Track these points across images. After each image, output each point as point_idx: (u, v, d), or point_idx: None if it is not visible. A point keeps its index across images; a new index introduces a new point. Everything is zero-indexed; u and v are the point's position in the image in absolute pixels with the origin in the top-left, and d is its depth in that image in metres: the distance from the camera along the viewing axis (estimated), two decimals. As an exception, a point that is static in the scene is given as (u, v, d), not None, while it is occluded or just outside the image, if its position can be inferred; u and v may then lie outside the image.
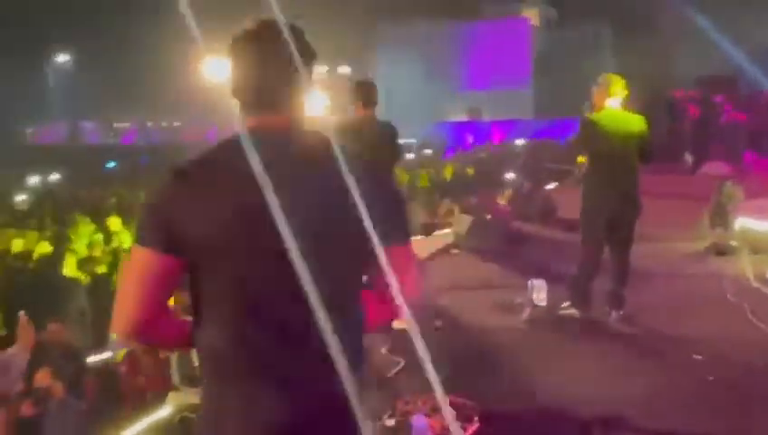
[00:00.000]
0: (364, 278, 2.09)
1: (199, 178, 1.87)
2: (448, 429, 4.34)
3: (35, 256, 9.61)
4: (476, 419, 4.44)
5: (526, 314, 6.58)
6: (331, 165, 1.90)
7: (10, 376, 5.30)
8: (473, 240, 9.49)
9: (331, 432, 1.95)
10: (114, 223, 12.65)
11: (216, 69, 13.67)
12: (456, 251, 9.66)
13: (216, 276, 1.87)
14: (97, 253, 10.47)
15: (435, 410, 4.60)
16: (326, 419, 1.94)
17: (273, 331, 1.90)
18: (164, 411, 4.64)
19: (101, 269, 9.86)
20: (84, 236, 12.24)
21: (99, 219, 12.84)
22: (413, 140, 32.42)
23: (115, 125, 43.59)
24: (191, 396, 4.57)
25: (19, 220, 13.14)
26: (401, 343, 5.68)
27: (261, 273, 1.87)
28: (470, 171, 17.98)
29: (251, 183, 1.77)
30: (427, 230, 10.93)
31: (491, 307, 6.99)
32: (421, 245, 9.32)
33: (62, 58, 41.92)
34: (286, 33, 1.92)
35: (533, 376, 5.35)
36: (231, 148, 1.88)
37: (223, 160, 1.91)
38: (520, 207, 11.71)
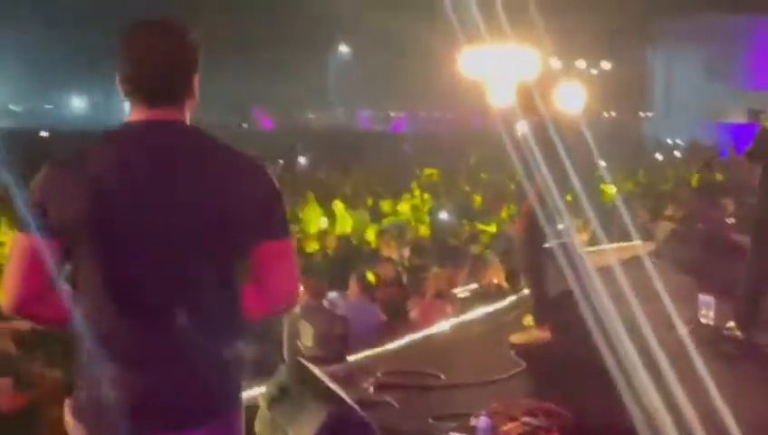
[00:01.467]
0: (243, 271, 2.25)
1: (72, 167, 2.11)
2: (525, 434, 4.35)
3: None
4: (555, 431, 4.39)
5: (686, 330, 6.26)
6: (210, 164, 2.10)
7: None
8: (671, 250, 9.04)
9: (190, 411, 2.14)
10: (339, 207, 13.43)
11: (474, 60, 13.99)
12: (653, 260, 9.24)
13: (82, 259, 2.11)
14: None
15: (527, 414, 4.61)
16: (183, 397, 2.13)
17: (133, 313, 2.10)
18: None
19: (313, 247, 10.58)
20: (312, 218, 13.14)
21: (327, 203, 13.65)
22: (679, 141, 30.79)
23: (392, 114, 45.63)
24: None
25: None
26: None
27: (122, 259, 2.09)
28: (719, 177, 16.87)
29: (117, 175, 2.02)
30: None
31: (652, 320, 6.70)
32: (620, 250, 9.06)
33: (344, 50, 44.63)
34: (181, 35, 2.14)
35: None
36: (110, 140, 2.14)
37: (98, 152, 2.14)
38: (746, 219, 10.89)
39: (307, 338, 5.04)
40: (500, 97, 15.70)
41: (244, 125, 39.10)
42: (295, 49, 37.95)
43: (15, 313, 2.19)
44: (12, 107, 46.30)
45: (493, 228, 11.87)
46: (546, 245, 7.80)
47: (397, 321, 7.21)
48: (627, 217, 10.92)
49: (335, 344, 5.11)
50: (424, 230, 11.94)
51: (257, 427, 3.84)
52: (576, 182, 12.78)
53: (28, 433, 4.64)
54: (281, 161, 22.41)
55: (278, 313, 2.48)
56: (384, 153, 25.48)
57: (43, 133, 30.37)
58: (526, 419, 4.49)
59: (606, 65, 34.28)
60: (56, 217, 2.09)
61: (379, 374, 5.26)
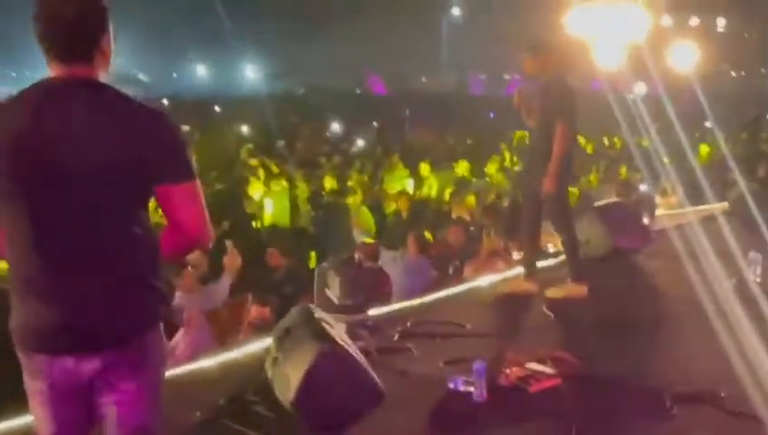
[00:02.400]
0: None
1: None
2: (524, 378, 4.60)
3: (325, 192, 10.95)
4: (558, 377, 4.60)
5: (730, 285, 6.29)
6: (117, 116, 2.40)
7: (214, 302, 6.42)
8: (744, 209, 8.92)
9: (104, 335, 2.46)
10: (425, 169, 13.68)
11: (581, 19, 13.96)
12: (726, 219, 9.14)
13: (3, 205, 2.44)
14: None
15: (538, 361, 4.84)
16: (99, 324, 2.45)
17: (49, 252, 2.41)
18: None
19: (390, 208, 10.93)
20: (398, 179, 13.47)
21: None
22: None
23: (506, 76, 45.08)
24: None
25: (348, 163, 14.77)
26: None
27: (38, 205, 2.39)
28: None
29: (32, 129, 2.35)
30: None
31: (703, 277, 6.73)
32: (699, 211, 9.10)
33: (456, 12, 44.36)
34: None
35: (673, 349, 5.27)
36: (26, 96, 2.44)
37: (14, 107, 2.43)
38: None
39: (335, 288, 5.42)
40: (607, 58, 15.47)
41: (358, 90, 39.61)
42: (408, 12, 38.05)
43: None
44: (140, 76, 48.43)
45: (575, 191, 11.89)
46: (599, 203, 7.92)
47: (450, 278, 7.50)
48: (707, 179, 10.79)
49: (362, 295, 5.46)
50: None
51: (266, 364, 4.25)
52: (674, 144, 12.65)
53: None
54: (375, 124, 22.74)
55: (188, 250, 2.69)
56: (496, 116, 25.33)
57: (165, 101, 31.81)
58: (531, 364, 4.73)
59: (722, 21, 32.83)
60: None
61: (408, 324, 5.59)
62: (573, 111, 6.01)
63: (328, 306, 5.43)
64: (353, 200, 10.43)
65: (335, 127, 23.39)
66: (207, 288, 6.64)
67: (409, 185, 13.21)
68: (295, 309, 4.36)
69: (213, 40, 44.30)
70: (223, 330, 6.14)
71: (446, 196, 11.62)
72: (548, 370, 4.69)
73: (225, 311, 6.34)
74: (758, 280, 6.42)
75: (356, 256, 6.06)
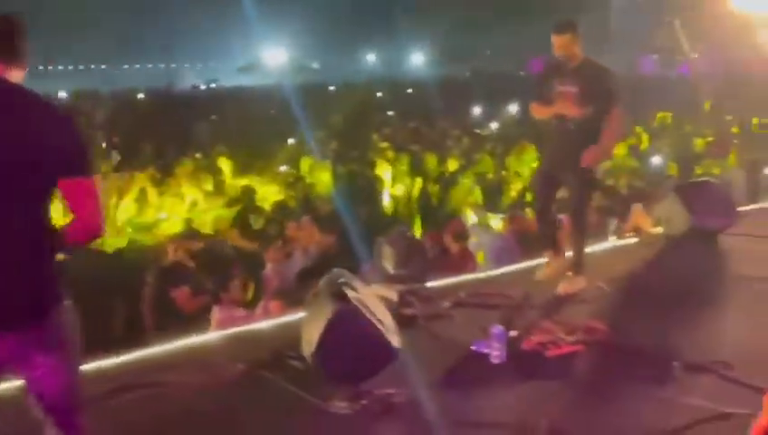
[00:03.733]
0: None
1: None
2: (544, 343, 4.91)
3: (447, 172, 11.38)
4: (581, 345, 4.86)
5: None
6: (24, 115, 2.65)
7: (288, 276, 7.02)
8: None
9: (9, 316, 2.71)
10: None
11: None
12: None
13: None
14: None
15: (569, 331, 5.12)
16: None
17: None
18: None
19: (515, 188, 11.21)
20: (526, 162, 13.71)
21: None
22: None
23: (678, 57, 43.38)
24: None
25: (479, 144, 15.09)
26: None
27: None
28: None
29: None
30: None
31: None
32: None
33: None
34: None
35: (716, 324, 5.37)
36: None
37: None
38: None
39: (388, 259, 5.89)
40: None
41: (522, 73, 39.51)
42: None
43: None
44: (313, 65, 50.54)
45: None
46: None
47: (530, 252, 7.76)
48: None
49: (414, 266, 5.91)
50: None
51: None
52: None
53: (201, 327, 5.88)
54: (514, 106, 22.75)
55: (87, 239, 2.87)
56: (669, 96, 24.50)
57: (331, 88, 33.20)
58: (560, 333, 5.01)
59: None
60: None
61: (461, 294, 5.98)
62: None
63: (384, 275, 5.93)
64: (467, 180, 10.77)
65: (483, 109, 23.67)
66: (290, 261, 7.25)
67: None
68: (327, 275, 4.83)
69: (382, 28, 45.46)
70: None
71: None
72: (572, 338, 4.97)
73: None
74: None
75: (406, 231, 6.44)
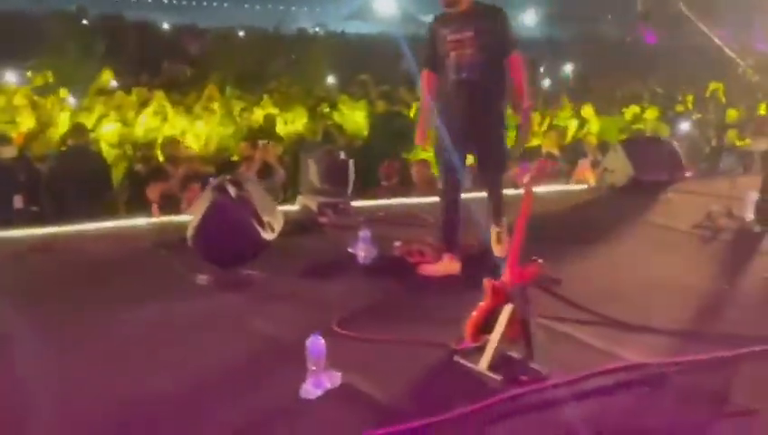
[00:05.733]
0: None
1: None
2: (411, 253, 5.52)
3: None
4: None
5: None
6: None
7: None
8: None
9: None
10: (587, 111, 14.11)
11: None
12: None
13: None
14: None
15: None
16: None
17: None
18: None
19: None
20: (562, 119, 14.07)
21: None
22: None
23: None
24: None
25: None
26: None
27: None
28: None
29: None
30: None
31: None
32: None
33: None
34: None
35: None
36: None
37: None
38: None
39: (314, 175, 6.63)
40: None
41: (628, 39, 38.88)
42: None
43: None
44: (422, 17, 50.67)
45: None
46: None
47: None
48: None
49: (335, 182, 6.62)
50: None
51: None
52: None
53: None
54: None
55: None
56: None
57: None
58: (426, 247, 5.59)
59: None
60: None
61: (381, 213, 6.69)
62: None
63: (311, 188, 6.68)
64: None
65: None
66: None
67: (573, 125, 13.73)
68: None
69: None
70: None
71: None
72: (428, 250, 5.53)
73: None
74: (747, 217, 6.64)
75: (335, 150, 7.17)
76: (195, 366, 3.74)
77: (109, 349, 3.94)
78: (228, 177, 5.38)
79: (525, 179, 3.94)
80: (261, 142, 8.37)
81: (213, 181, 5.41)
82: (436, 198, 5.49)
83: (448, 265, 5.26)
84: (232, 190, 5.19)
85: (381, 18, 42.21)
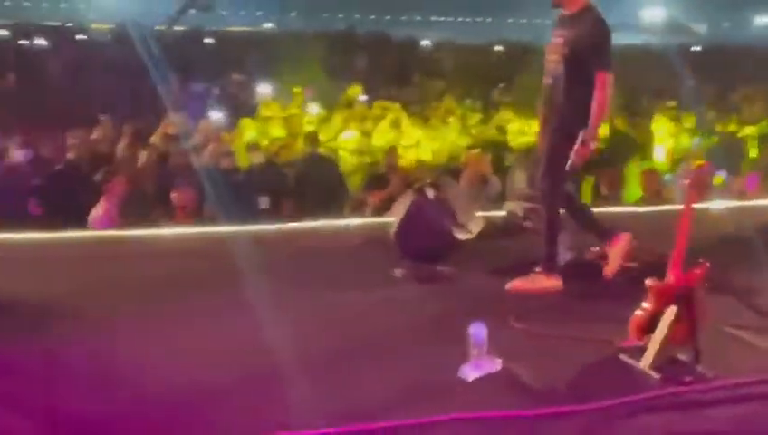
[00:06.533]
0: None
1: None
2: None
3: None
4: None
5: None
6: None
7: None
8: None
9: None
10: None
11: None
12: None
13: None
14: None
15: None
16: None
17: None
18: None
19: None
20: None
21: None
22: None
23: None
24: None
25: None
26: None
27: None
28: None
29: None
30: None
31: None
32: None
33: None
34: None
35: None
36: None
37: None
38: None
39: (521, 181, 6.87)
40: None
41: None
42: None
43: None
44: (693, 27, 48.29)
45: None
46: None
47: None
48: None
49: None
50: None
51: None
52: None
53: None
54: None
55: None
56: None
57: (697, 48, 31.49)
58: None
59: None
60: None
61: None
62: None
63: (519, 193, 6.96)
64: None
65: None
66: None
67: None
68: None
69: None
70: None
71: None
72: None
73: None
74: None
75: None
76: (377, 340, 4.31)
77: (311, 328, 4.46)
78: (429, 181, 5.83)
79: (686, 182, 4.01)
80: (473, 152, 8.70)
81: (420, 184, 5.89)
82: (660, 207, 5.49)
83: (547, 283, 5.16)
84: (430, 193, 5.63)
85: (646, 29, 40.91)
